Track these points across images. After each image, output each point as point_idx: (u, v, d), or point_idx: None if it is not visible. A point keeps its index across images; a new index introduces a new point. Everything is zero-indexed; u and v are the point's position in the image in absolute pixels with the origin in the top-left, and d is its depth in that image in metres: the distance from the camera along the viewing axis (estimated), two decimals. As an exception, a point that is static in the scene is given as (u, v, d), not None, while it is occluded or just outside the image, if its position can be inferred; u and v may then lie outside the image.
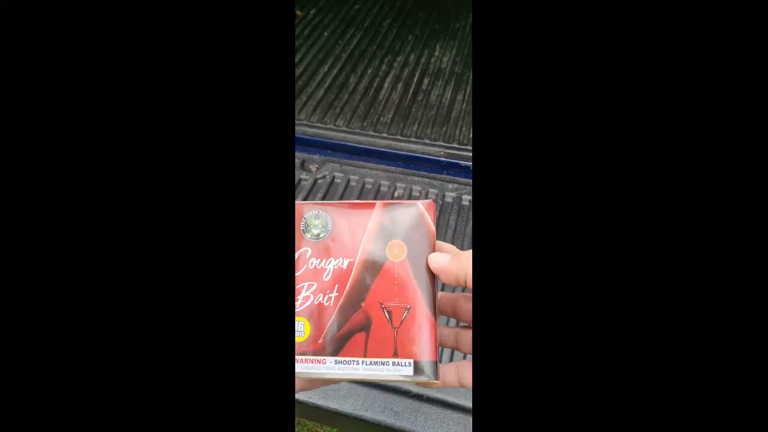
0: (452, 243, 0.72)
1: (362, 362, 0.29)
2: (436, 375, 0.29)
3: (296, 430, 1.08)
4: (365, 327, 0.29)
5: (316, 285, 0.30)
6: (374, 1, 1.20)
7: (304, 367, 0.29)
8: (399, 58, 1.05)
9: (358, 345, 0.29)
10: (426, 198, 0.78)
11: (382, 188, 0.80)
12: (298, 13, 1.17)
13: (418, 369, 0.29)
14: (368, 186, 0.80)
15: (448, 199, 0.78)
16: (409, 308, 0.29)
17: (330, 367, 0.29)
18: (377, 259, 0.30)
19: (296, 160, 0.83)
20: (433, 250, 0.31)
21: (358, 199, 0.78)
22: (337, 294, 0.30)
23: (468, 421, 0.53)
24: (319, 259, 0.30)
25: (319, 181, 0.81)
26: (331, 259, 0.30)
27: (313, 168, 0.83)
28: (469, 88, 0.97)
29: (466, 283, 0.29)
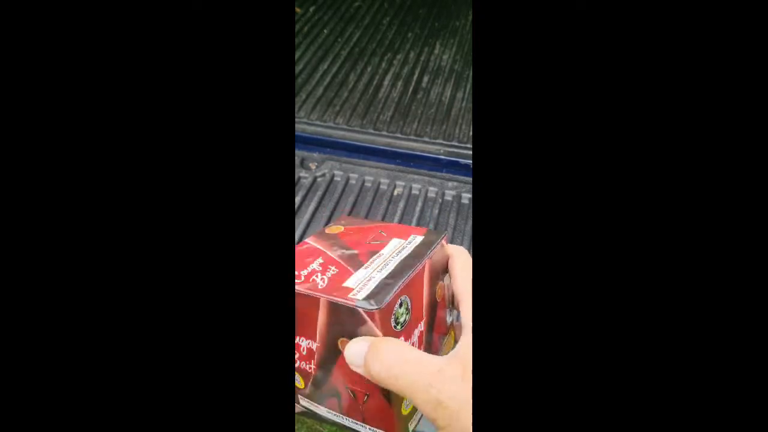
0: (452, 242, 0.72)
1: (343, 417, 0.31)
2: None
3: (296, 428, 1.08)
4: (337, 395, 0.30)
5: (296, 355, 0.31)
6: (374, -1, 1.20)
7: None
8: (399, 56, 1.05)
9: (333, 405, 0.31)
10: (426, 195, 0.78)
11: (381, 186, 0.80)
12: (297, 10, 1.16)
13: None
14: (368, 184, 0.80)
15: (448, 198, 0.78)
16: (368, 395, 0.29)
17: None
18: (334, 350, 0.29)
19: (295, 158, 0.83)
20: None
21: (357, 197, 0.78)
22: (314, 366, 0.30)
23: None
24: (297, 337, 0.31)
25: (319, 180, 0.81)
26: (302, 337, 0.30)
27: (313, 166, 0.83)
28: (469, 86, 0.97)
29: (387, 386, 0.26)
